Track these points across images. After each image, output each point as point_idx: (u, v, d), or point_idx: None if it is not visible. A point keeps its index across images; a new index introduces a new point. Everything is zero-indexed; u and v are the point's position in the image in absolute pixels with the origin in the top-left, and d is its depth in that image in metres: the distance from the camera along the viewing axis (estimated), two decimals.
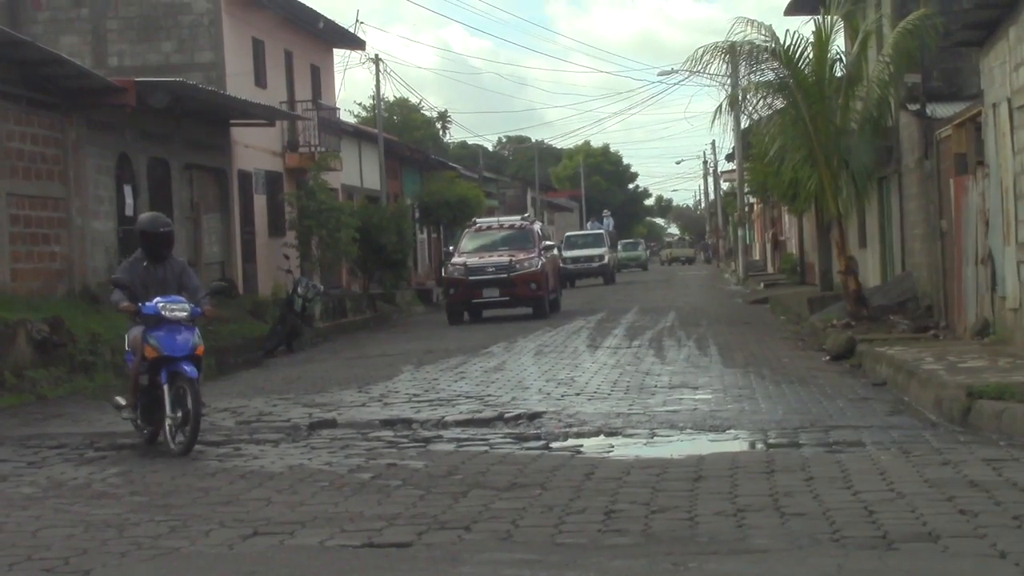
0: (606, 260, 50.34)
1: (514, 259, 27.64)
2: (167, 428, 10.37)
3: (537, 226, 30.47)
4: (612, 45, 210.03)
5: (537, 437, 10.55)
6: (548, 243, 29.97)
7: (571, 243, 51.92)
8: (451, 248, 31.49)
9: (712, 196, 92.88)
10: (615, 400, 12.82)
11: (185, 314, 10.56)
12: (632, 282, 51.35)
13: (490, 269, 27.55)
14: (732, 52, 20.60)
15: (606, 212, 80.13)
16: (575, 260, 49.24)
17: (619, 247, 74.06)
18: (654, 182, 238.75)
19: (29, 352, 16.86)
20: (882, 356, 14.27)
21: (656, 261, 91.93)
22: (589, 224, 75.04)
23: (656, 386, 13.96)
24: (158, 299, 10.57)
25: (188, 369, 10.28)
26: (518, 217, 31.86)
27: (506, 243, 28.94)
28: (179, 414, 10.25)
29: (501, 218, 32.17)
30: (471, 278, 27.49)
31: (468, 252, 28.77)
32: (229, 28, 28.76)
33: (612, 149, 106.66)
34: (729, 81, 24.23)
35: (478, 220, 31.66)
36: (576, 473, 8.55)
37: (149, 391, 10.57)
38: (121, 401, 11.01)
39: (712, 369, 15.66)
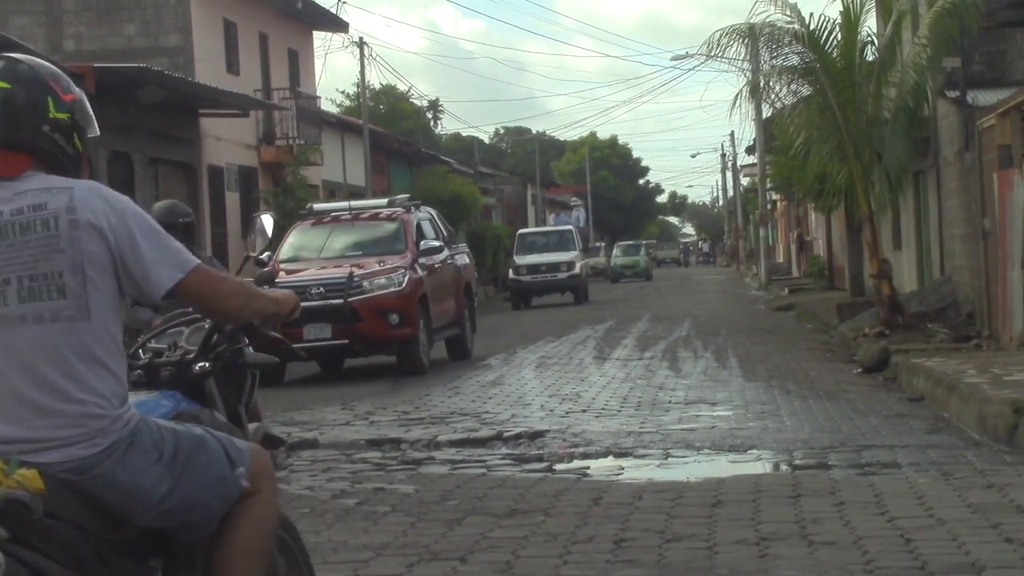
0: (577, 269, 39.85)
1: (360, 272, 18.62)
2: None
3: (417, 216, 20.69)
4: (619, 27, 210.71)
5: (539, 458, 10.55)
6: (434, 244, 20.25)
7: (525, 245, 41.72)
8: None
9: (731, 193, 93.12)
10: (625, 417, 12.84)
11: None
12: (627, 297, 50.89)
13: (317, 290, 18.13)
14: (752, 35, 20.64)
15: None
16: (532, 269, 39.52)
17: (615, 251, 71.98)
18: (667, 177, 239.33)
19: None
20: (919, 368, 14.29)
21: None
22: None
23: (670, 402, 13.98)
24: None
25: None
26: (383, 201, 21.97)
27: (360, 245, 19.93)
28: None
29: (355, 203, 22.03)
30: None
31: (290, 260, 19.45)
32: (198, 9, 28.81)
33: (620, 141, 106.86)
34: (749, 66, 24.25)
35: (316, 206, 21.82)
36: (583, 498, 8.57)
37: None
38: None
39: (732, 383, 15.68)
